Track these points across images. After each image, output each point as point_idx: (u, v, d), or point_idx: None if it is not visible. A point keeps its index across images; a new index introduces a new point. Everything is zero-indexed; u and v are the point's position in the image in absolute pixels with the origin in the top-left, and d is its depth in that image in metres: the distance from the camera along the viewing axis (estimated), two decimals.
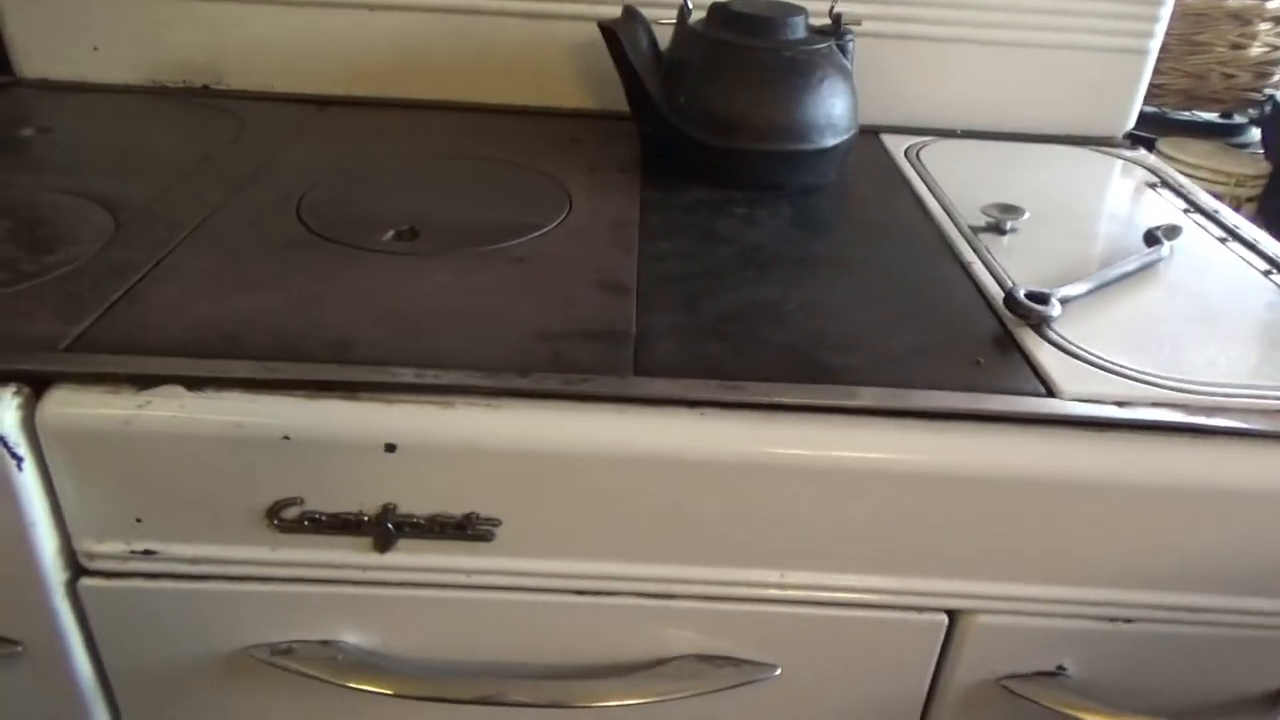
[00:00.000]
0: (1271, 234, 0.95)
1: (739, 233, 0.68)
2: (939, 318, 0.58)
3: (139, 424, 0.46)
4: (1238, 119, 1.19)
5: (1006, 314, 0.57)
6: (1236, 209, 1.04)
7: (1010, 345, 0.55)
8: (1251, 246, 0.70)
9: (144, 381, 0.46)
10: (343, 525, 0.49)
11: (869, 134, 0.88)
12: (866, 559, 0.51)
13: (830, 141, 0.75)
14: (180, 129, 0.82)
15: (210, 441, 0.46)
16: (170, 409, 0.46)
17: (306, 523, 0.49)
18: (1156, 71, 0.97)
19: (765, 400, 0.49)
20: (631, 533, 0.50)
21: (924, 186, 0.77)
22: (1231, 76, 1.11)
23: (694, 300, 0.58)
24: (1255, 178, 1.03)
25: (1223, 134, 1.18)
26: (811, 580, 0.51)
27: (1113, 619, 0.52)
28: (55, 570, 0.49)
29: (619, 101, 0.79)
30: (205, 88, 0.90)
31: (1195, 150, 1.06)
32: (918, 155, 0.85)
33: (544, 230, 0.66)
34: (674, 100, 0.76)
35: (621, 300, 0.57)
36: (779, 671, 0.53)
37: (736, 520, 0.50)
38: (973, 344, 0.55)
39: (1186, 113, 1.19)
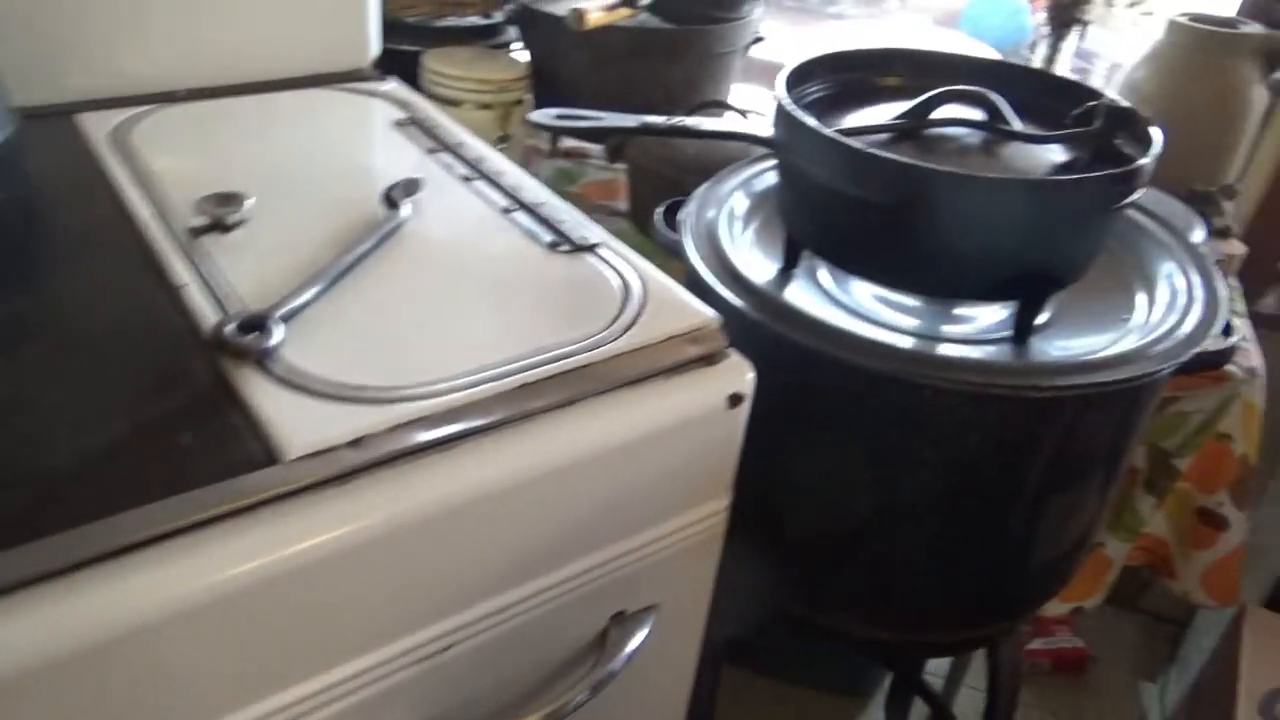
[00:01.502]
0: (546, 129, 0.96)
1: None
2: (144, 382, 0.46)
3: None
4: (497, 17, 1.20)
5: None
6: (507, 115, 1.07)
7: (226, 397, 0.45)
8: (494, 182, 0.68)
9: None
10: None
11: (57, 117, 0.69)
12: None
13: None
14: None
15: None
16: None
17: None
18: None
19: None
20: None
21: (131, 182, 0.62)
22: None
23: None
24: (515, 80, 1.04)
25: (488, 35, 1.19)
26: None
27: (430, 655, 0.48)
28: None
29: None
30: None
31: (458, 59, 1.05)
32: (126, 137, 0.68)
33: None
34: None
35: None
36: None
37: None
38: (183, 410, 0.44)
39: (454, 18, 1.18)
